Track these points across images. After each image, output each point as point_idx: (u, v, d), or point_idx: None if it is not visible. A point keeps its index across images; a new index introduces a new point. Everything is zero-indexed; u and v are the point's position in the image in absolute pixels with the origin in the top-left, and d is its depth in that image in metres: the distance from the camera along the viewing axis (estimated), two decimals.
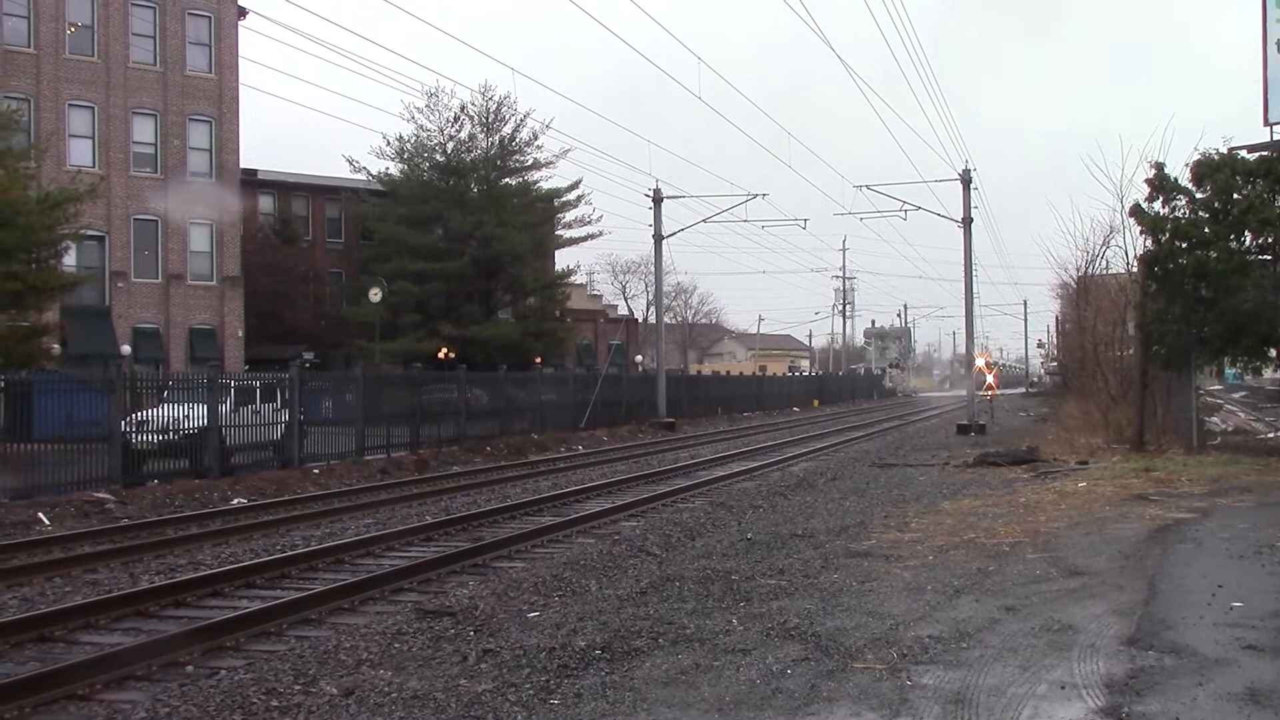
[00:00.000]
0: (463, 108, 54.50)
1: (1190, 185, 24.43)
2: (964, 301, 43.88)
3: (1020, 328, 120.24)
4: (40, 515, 17.49)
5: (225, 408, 24.41)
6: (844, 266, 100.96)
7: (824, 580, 11.10)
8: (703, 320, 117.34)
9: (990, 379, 42.91)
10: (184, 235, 44.17)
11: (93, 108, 41.93)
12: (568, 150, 77.37)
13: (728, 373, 76.49)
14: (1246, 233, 24.05)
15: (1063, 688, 7.08)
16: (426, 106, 54.34)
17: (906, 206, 43.60)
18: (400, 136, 54.58)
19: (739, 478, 24.03)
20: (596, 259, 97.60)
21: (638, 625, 9.20)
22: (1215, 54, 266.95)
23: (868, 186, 43.03)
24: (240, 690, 7.69)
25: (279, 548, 14.76)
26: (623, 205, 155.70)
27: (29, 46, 40.34)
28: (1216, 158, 24.14)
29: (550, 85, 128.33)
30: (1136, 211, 25.31)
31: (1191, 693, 6.85)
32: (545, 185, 57.19)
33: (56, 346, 31.44)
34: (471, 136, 55.04)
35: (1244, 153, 24.56)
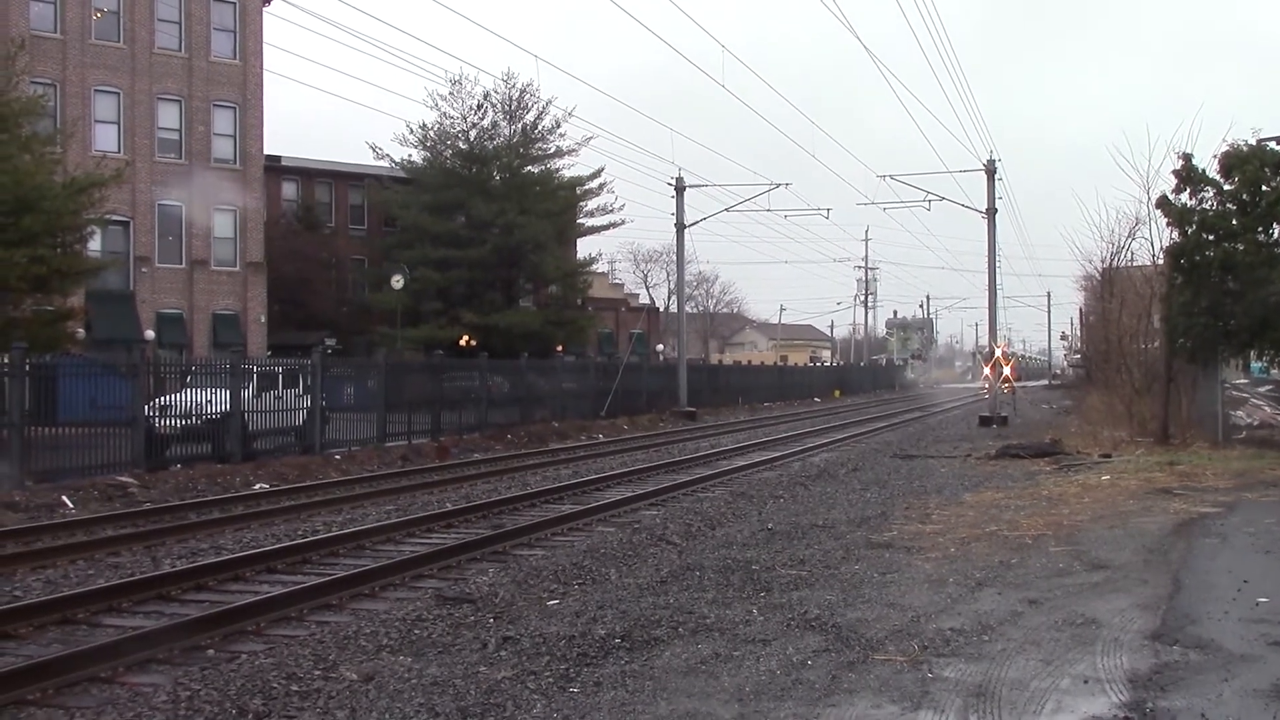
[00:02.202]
0: (486, 95, 54.49)
1: (1218, 177, 24.22)
2: (987, 293, 43.64)
3: (1043, 319, 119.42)
4: (64, 498, 17.60)
5: (248, 393, 24.50)
6: (866, 257, 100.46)
7: (845, 571, 11.06)
8: (724, 310, 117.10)
9: (1007, 371, 42.55)
10: (208, 221, 44.33)
11: (118, 93, 42.11)
12: (590, 138, 76.92)
13: (749, 362, 76.36)
14: (1275, 225, 23.87)
15: (1086, 682, 7.03)
16: (450, 94, 54.29)
17: (930, 197, 43.38)
18: (423, 124, 54.64)
19: (759, 467, 23.97)
20: (618, 247, 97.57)
21: (658, 614, 9.18)
22: (1246, 44, 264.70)
23: (891, 176, 42.77)
24: (261, 674, 7.71)
25: (300, 533, 14.81)
26: (645, 194, 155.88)
27: (55, 32, 40.52)
28: (1245, 149, 23.93)
29: (574, 73, 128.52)
30: (1163, 203, 25.11)
31: (1217, 688, 6.79)
32: (568, 173, 57.13)
33: (81, 331, 31.59)
34: (494, 124, 54.99)
35: (1273, 144, 24.34)
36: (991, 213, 41.88)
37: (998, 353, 42.01)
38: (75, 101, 40.42)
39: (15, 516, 16.05)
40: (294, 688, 7.40)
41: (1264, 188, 23.57)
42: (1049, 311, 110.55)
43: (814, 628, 8.64)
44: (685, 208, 47.56)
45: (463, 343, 49.04)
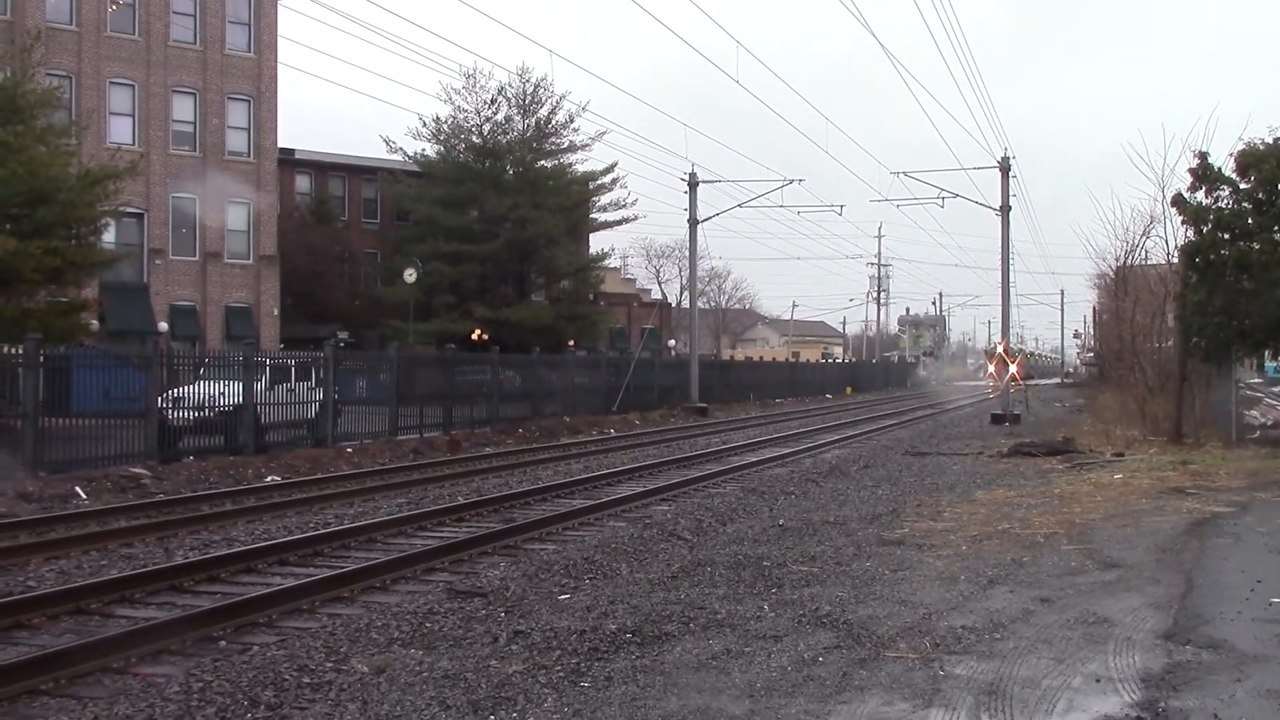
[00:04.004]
0: (500, 89, 54.62)
1: (1234, 175, 24.10)
2: (1000, 290, 43.50)
3: (1056, 317, 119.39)
4: (77, 489, 17.67)
5: (260, 386, 24.57)
6: (879, 253, 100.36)
7: (856, 568, 11.05)
8: (736, 305, 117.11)
9: (1014, 369, 42.35)
10: (221, 214, 44.43)
11: (133, 86, 42.23)
12: (604, 133, 77.23)
13: (761, 358, 76.37)
14: None
15: (1098, 681, 7.01)
16: (464, 88, 54.48)
17: (944, 194, 43.25)
18: (437, 117, 54.78)
19: (771, 464, 23.96)
20: (631, 243, 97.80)
21: (668, 609, 9.18)
22: (1262, 45, 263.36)
23: (905, 173, 42.66)
24: (273, 666, 7.73)
25: (312, 525, 14.84)
26: (658, 189, 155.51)
27: (71, 24, 40.65)
28: (1262, 147, 23.80)
29: (587, 68, 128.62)
30: (1178, 201, 25.00)
31: (1229, 689, 6.76)
32: (581, 168, 57.23)
33: (95, 322, 31.69)
34: (508, 118, 55.08)
35: None
36: (1005, 210, 41.74)
37: (1000, 349, 41.72)
38: (90, 94, 40.53)
39: (29, 507, 16.13)
40: (306, 680, 7.42)
41: None
42: (1062, 310, 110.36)
43: (825, 624, 8.63)
44: (698, 203, 47.49)
45: (474, 337, 49.12)
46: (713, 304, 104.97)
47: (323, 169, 55.93)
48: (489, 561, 12.27)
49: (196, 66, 43.75)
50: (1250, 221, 23.69)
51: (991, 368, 42.56)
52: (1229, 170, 24.16)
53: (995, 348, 42.38)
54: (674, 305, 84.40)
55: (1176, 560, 11.17)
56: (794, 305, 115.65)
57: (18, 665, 7.65)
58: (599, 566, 11.55)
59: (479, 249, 51.62)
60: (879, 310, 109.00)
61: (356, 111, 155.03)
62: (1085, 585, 10.00)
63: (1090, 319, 72.45)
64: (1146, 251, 35.39)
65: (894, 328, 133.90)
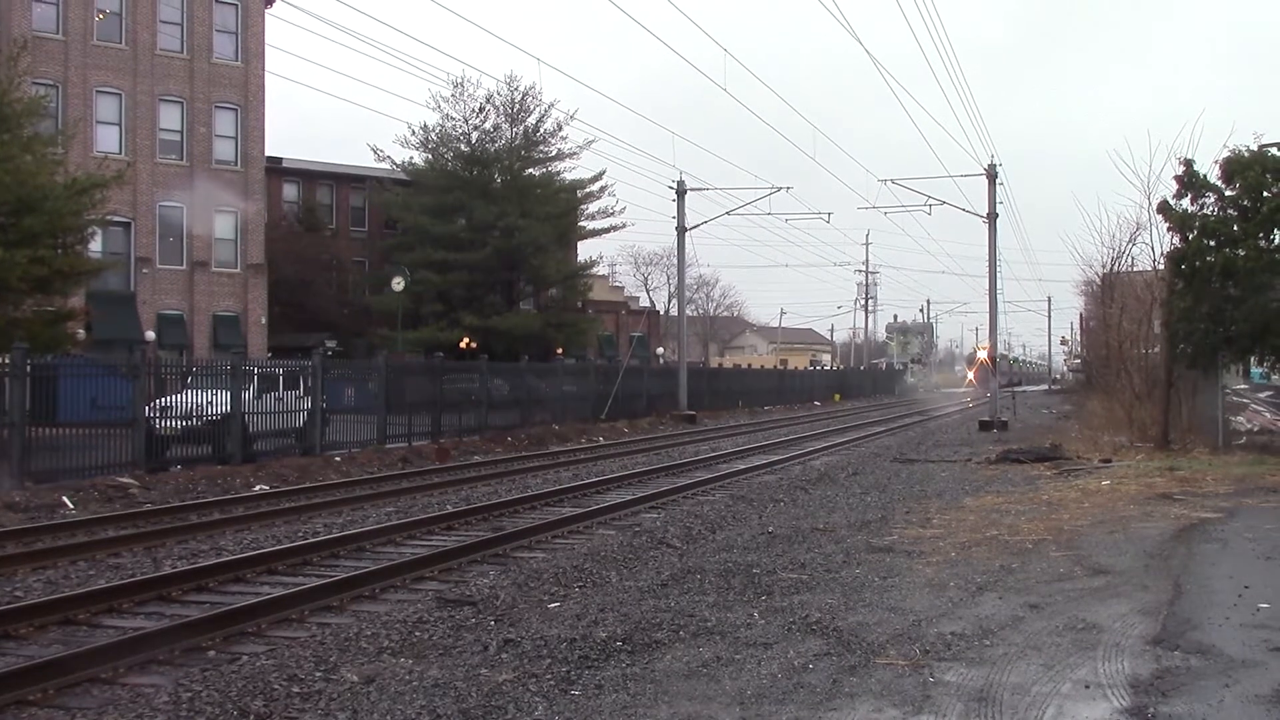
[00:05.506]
0: (488, 98, 54.62)
1: (1219, 182, 24.21)
2: (988, 297, 43.67)
3: (1044, 324, 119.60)
4: (64, 499, 17.60)
5: (248, 394, 24.49)
6: (867, 261, 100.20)
7: (846, 575, 11.06)
8: (724, 313, 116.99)
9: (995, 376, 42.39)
10: (209, 223, 44.34)
11: (120, 95, 42.16)
12: (592, 141, 77.09)
13: (749, 366, 76.35)
14: (1276, 230, 23.84)
15: (1087, 687, 7.03)
16: (452, 96, 54.43)
17: (931, 201, 43.40)
18: (425, 126, 54.79)
19: (759, 471, 23.97)
20: (619, 250, 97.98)
21: (658, 617, 9.18)
22: (1248, 53, 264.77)
23: (892, 180, 42.78)
24: (262, 676, 7.71)
25: (301, 535, 14.81)
26: (646, 197, 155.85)
27: (58, 33, 40.58)
28: (1247, 155, 23.91)
29: (575, 76, 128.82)
30: (1164, 208, 25.11)
31: (1218, 694, 6.79)
32: (569, 176, 57.23)
33: (82, 331, 31.54)
34: (496, 127, 55.09)
35: (1274, 150, 24.32)
36: (992, 217, 41.90)
37: (981, 354, 41.82)
38: (77, 102, 40.46)
39: (15, 517, 16.06)
40: (295, 689, 7.40)
41: (1265, 193, 23.55)
42: (1049, 316, 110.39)
43: (815, 631, 8.64)
44: (686, 211, 47.56)
45: (463, 345, 49.07)
46: (701, 311, 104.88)
47: (311, 177, 55.86)
48: (478, 570, 12.26)
49: (184, 75, 43.70)
50: (1235, 228, 23.80)
51: (971, 374, 42.73)
52: (1214, 177, 24.28)
53: (975, 353, 42.54)
54: (662, 313, 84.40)
55: (1164, 566, 11.21)
56: (782, 313, 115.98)
57: (6, 675, 7.62)
58: (589, 574, 11.54)
59: (467, 257, 51.61)
60: (867, 317, 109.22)
61: (344, 120, 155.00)
62: (1074, 591, 10.03)
63: (1077, 326, 72.69)
64: (1133, 258, 35.57)
65: (882, 335, 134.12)
